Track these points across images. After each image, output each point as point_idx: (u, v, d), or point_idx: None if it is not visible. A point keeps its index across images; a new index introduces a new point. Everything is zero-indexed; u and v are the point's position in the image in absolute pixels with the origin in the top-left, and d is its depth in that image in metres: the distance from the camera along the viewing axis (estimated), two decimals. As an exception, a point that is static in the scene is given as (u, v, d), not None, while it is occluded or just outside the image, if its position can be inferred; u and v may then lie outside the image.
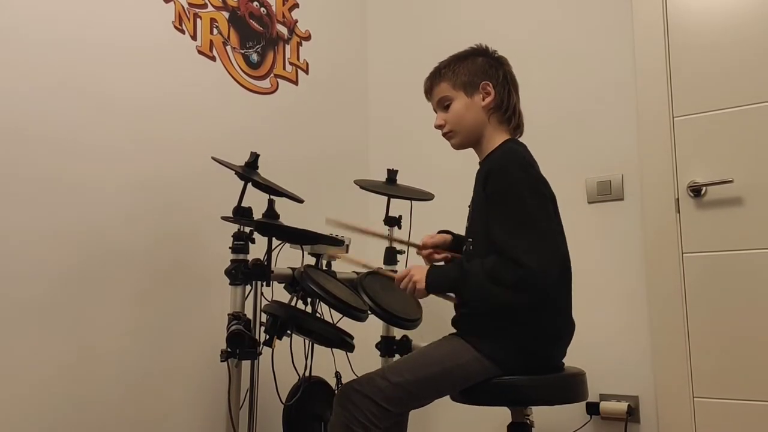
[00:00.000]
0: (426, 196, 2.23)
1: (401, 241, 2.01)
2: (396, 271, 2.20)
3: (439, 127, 1.70)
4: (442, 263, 1.79)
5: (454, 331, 1.65)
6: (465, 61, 1.68)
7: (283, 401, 1.89)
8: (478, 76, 1.66)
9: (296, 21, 2.59)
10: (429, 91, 1.73)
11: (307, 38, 2.63)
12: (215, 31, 2.24)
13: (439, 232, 1.85)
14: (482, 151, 1.69)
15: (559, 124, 2.38)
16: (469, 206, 1.71)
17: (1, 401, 1.60)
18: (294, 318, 1.68)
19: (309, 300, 1.82)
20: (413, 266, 1.61)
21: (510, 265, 1.44)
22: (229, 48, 2.29)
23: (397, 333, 2.14)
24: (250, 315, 1.70)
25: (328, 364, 2.01)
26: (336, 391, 2.01)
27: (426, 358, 1.57)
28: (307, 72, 2.60)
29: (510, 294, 1.46)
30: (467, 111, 1.66)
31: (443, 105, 1.69)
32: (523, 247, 1.44)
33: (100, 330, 1.82)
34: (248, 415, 1.70)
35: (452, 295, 1.56)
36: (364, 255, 2.39)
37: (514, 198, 1.50)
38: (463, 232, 1.82)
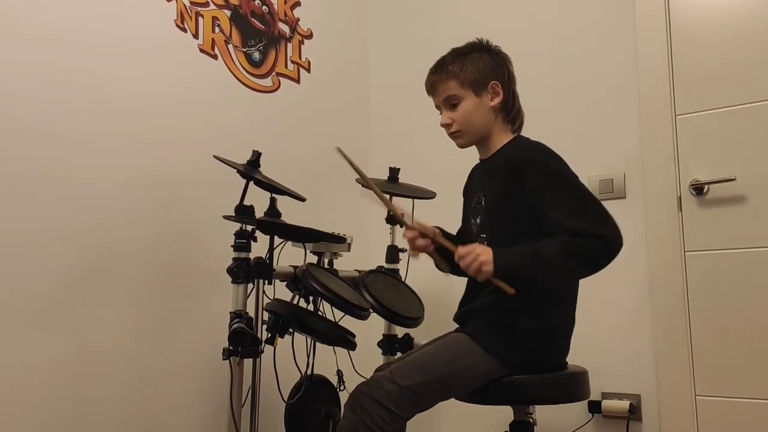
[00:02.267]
0: (428, 195, 2.23)
1: (395, 214, 1.83)
2: (398, 270, 2.20)
3: (445, 126, 1.66)
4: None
5: (457, 327, 1.64)
6: (471, 58, 1.63)
7: (285, 399, 1.89)
8: (487, 75, 1.62)
9: (298, 19, 2.59)
10: (433, 87, 1.67)
11: (309, 36, 2.63)
12: (217, 29, 2.24)
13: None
14: (488, 148, 1.67)
15: (561, 122, 2.37)
16: (477, 203, 1.67)
17: (2, 400, 1.60)
18: (296, 316, 1.68)
19: (311, 298, 1.82)
20: (477, 245, 1.52)
21: (592, 238, 1.44)
22: (231, 46, 2.29)
23: (399, 331, 2.13)
24: (252, 313, 1.70)
25: (330, 362, 2.01)
26: (338, 390, 2.02)
27: (434, 359, 1.55)
28: (308, 70, 2.60)
29: (588, 267, 1.47)
30: (476, 111, 1.62)
31: (450, 103, 1.64)
32: (596, 221, 1.45)
33: (102, 329, 1.82)
34: (250, 413, 1.70)
35: (510, 290, 1.47)
36: (366, 252, 2.39)
37: (563, 182, 1.50)
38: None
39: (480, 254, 1.47)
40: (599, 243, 1.44)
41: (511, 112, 1.65)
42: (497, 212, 1.60)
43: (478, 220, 1.67)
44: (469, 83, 1.62)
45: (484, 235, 1.62)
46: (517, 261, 1.47)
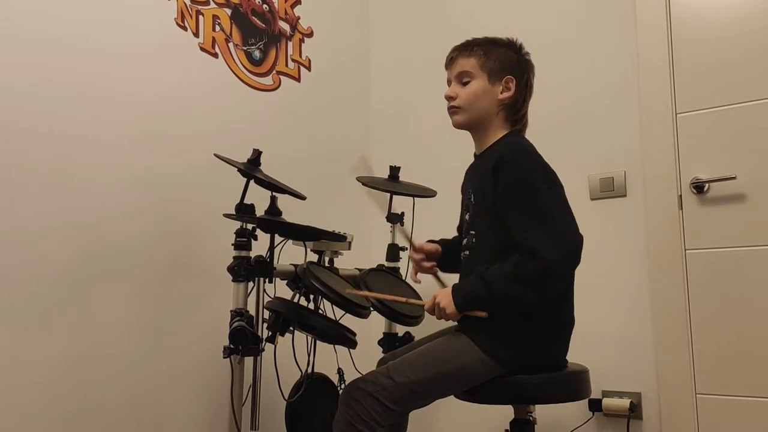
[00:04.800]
0: (428, 193, 2.23)
1: (408, 239, 1.93)
2: (398, 268, 2.20)
3: (449, 98, 1.66)
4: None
5: (458, 327, 1.65)
6: (500, 48, 1.65)
7: (286, 398, 1.89)
8: (507, 69, 1.63)
9: (298, 18, 2.59)
10: (452, 60, 1.68)
11: (310, 35, 2.63)
12: (217, 27, 2.24)
13: (429, 242, 1.83)
14: (483, 142, 1.67)
15: (562, 120, 2.37)
16: (467, 199, 1.68)
17: (4, 398, 1.61)
18: (296, 314, 1.68)
19: (311, 297, 1.83)
20: (437, 292, 1.55)
21: (531, 259, 1.42)
22: (231, 45, 2.29)
23: (400, 329, 2.14)
24: (252, 312, 1.71)
25: (330, 360, 2.01)
26: (338, 388, 2.02)
27: (431, 357, 1.55)
28: (309, 69, 2.60)
29: (536, 291, 1.44)
30: (483, 95, 1.63)
31: (461, 80, 1.65)
32: (544, 238, 1.42)
33: (103, 327, 1.82)
34: (251, 412, 1.70)
35: (481, 313, 1.49)
36: (367, 252, 2.40)
37: (530, 190, 1.48)
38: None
39: (440, 301, 1.51)
40: (538, 263, 1.42)
41: (516, 113, 1.65)
42: (484, 208, 1.60)
43: (467, 217, 1.68)
44: (487, 68, 1.63)
45: (473, 232, 1.64)
46: (472, 294, 1.49)
